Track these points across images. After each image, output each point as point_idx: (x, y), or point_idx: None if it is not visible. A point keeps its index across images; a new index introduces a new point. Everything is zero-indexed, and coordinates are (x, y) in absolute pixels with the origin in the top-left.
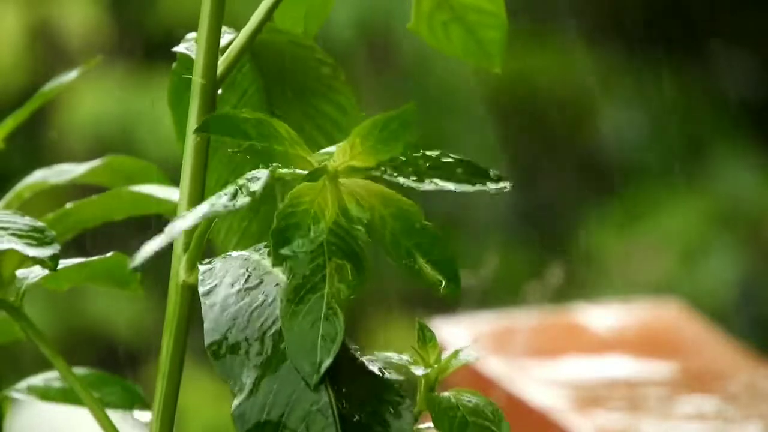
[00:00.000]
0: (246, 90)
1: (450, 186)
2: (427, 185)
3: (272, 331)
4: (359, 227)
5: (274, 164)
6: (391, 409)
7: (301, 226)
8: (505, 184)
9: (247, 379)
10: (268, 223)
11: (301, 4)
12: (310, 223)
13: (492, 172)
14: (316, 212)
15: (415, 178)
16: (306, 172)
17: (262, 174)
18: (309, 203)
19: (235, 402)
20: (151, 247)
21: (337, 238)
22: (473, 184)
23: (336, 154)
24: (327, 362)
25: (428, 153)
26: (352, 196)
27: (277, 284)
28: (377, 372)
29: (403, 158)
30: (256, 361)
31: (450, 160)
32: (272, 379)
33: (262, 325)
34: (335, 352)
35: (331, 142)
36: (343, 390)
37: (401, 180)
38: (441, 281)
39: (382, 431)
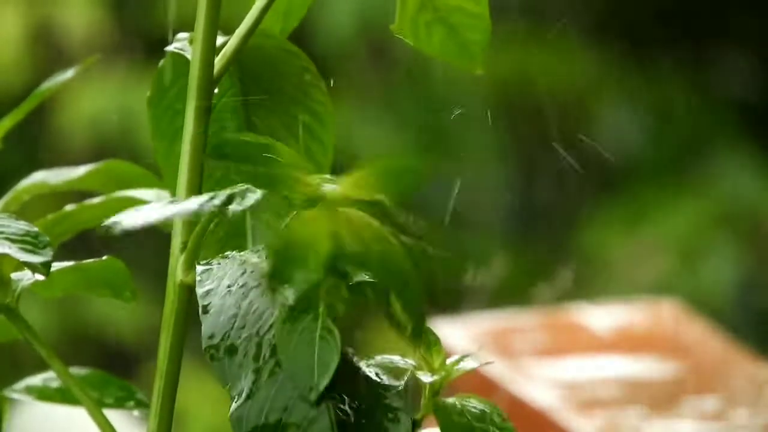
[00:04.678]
0: (222, 95)
1: None
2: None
3: (270, 334)
4: (355, 262)
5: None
6: (389, 414)
7: (299, 259)
8: None
9: (245, 382)
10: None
11: (282, 3)
12: (308, 256)
13: None
14: (313, 248)
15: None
16: (305, 195)
17: (257, 193)
18: (306, 236)
19: (233, 406)
20: (135, 219)
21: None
22: None
23: (339, 183)
24: (324, 383)
25: None
26: (348, 227)
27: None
28: (374, 376)
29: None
30: (253, 365)
31: None
32: (270, 383)
33: (259, 329)
34: (332, 372)
35: (306, 151)
36: (341, 395)
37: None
38: (407, 326)
39: None
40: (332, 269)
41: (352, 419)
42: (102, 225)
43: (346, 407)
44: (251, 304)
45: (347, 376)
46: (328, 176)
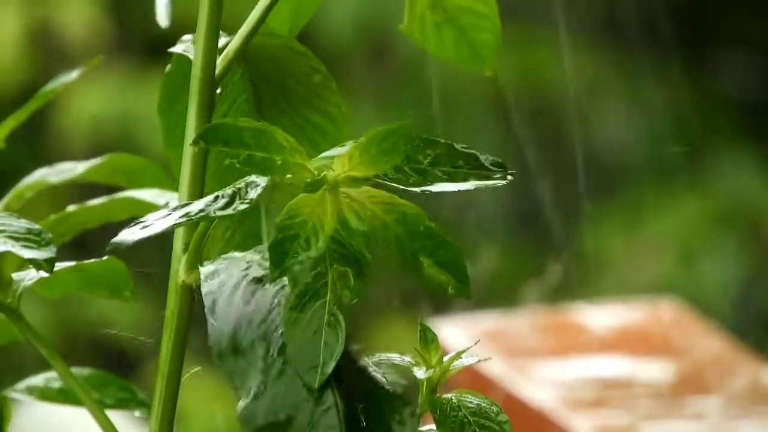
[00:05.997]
0: (236, 99)
1: (451, 187)
2: (429, 186)
3: (277, 333)
4: (360, 238)
5: (272, 173)
6: (395, 415)
7: (299, 238)
8: (507, 175)
9: (253, 381)
10: (252, 235)
11: (290, 2)
12: (309, 234)
13: (492, 160)
14: (314, 224)
15: (416, 179)
16: (306, 180)
17: (261, 180)
18: (308, 215)
19: (241, 404)
20: (135, 232)
21: (338, 245)
22: (475, 179)
23: (335, 164)
24: (329, 367)
25: (429, 149)
26: (351, 207)
27: (284, 286)
28: (380, 376)
29: (407, 155)
30: (261, 364)
31: (451, 151)
32: (279, 381)
33: (267, 327)
34: (337, 358)
35: (318, 153)
36: (348, 393)
37: (402, 186)
38: (449, 283)
39: None
40: (341, 253)
41: (360, 417)
42: (109, 247)
43: (354, 405)
44: (257, 304)
45: (354, 375)
46: (322, 155)
